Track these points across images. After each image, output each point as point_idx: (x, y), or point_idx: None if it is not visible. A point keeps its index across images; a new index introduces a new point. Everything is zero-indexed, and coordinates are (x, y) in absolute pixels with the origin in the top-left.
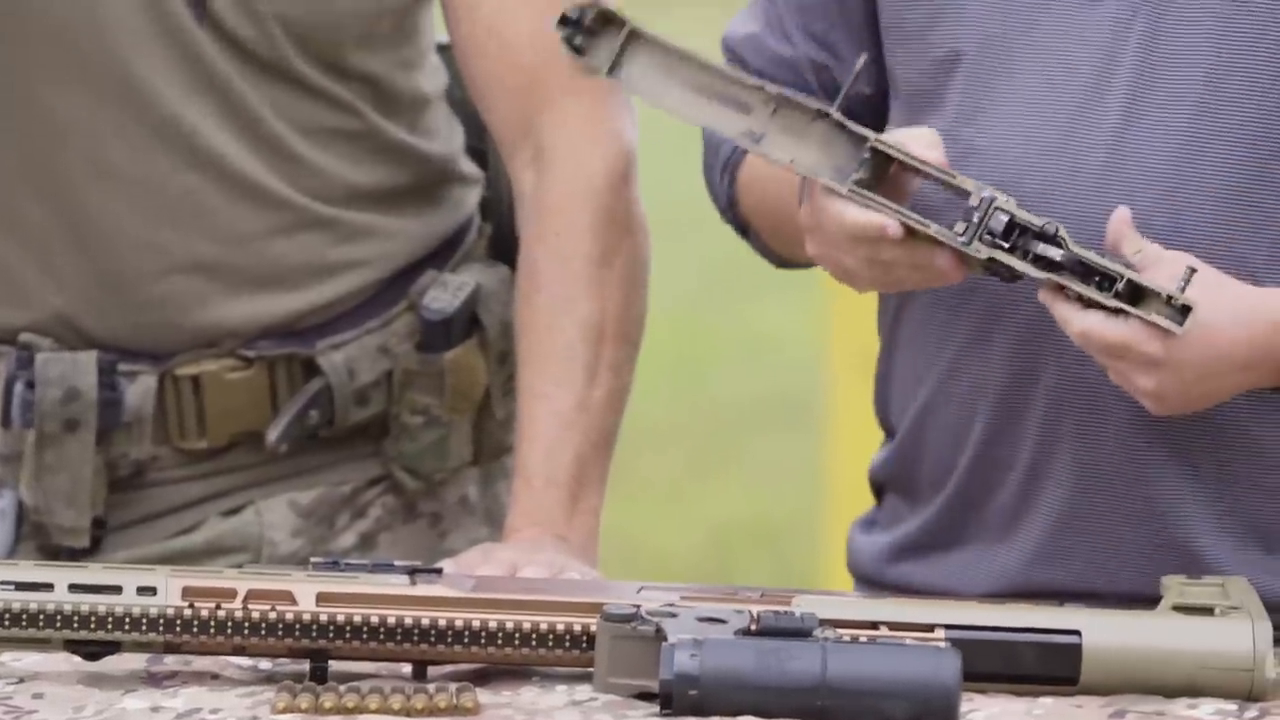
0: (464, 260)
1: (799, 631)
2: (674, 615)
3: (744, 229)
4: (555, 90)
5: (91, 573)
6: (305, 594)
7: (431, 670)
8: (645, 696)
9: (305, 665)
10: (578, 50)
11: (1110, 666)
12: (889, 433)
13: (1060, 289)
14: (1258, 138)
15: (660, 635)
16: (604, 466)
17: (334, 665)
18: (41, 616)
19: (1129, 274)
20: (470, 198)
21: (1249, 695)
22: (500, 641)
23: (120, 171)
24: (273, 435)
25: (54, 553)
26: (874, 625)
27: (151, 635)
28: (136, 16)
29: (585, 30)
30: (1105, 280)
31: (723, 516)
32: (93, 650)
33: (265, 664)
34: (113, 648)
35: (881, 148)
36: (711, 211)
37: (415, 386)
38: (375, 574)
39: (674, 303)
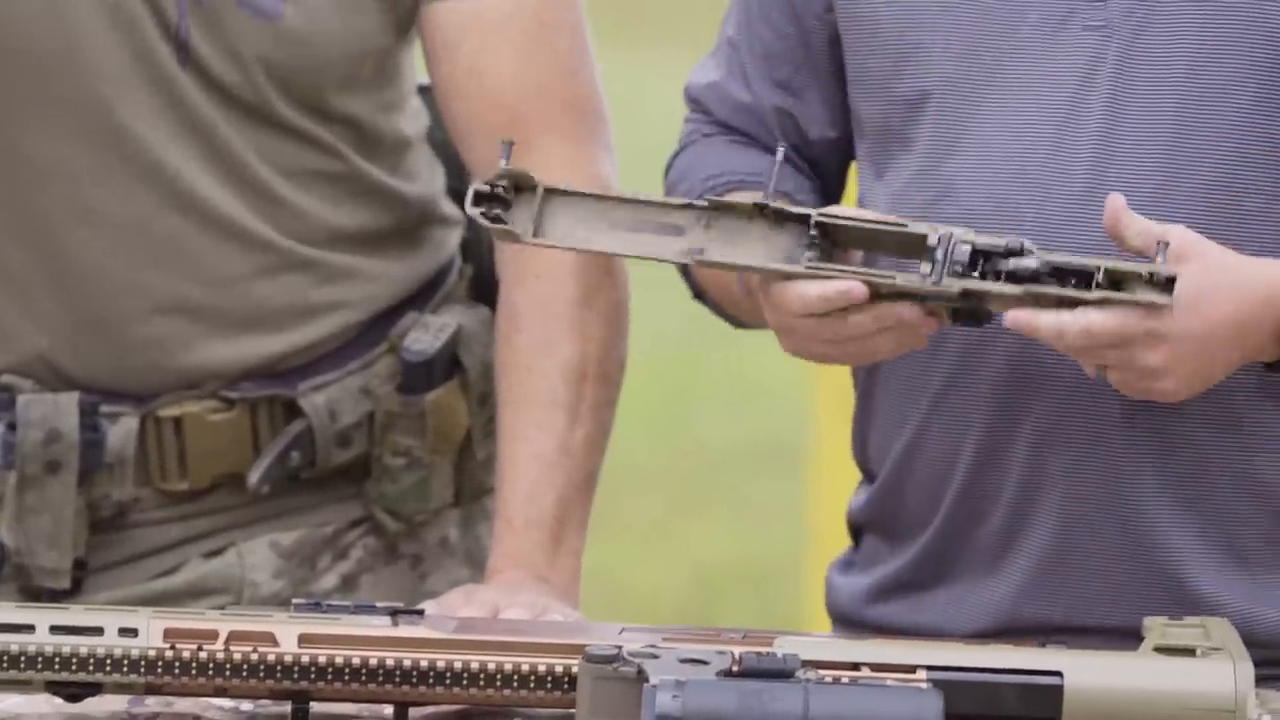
0: (445, 302)
1: (781, 672)
2: (656, 656)
3: (699, 294)
4: (536, 131)
5: (73, 614)
6: (287, 635)
7: (413, 712)
8: None
9: (287, 707)
10: (498, 220)
11: (1092, 708)
12: (867, 475)
13: (1035, 301)
14: (1232, 168)
15: (642, 676)
16: (586, 508)
17: (316, 707)
18: (23, 658)
19: (1104, 263)
20: (451, 239)
21: None
22: (482, 683)
23: (102, 213)
24: (254, 477)
25: (35, 594)
26: (856, 666)
27: (133, 677)
28: (120, 60)
29: (501, 201)
30: (1083, 278)
31: (706, 558)
32: (74, 692)
33: (247, 705)
34: (94, 689)
35: (827, 220)
36: None
37: (397, 428)
38: (357, 615)
39: (656, 344)
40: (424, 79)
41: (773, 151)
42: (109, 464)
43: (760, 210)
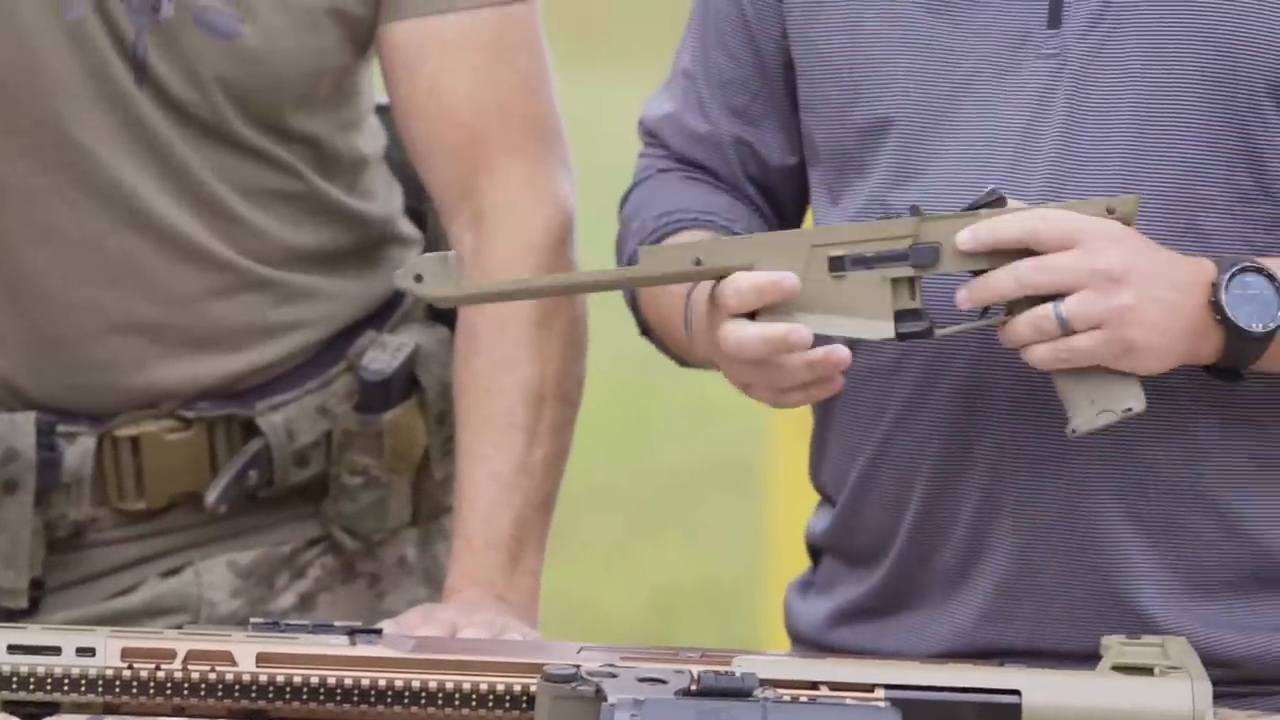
0: (403, 321)
1: (739, 691)
2: (614, 675)
3: (645, 331)
4: (495, 152)
5: (30, 634)
6: (245, 655)
7: None
8: None
9: None
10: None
11: None
12: (825, 499)
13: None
14: (1188, 188)
15: (600, 696)
16: (544, 528)
17: None
18: None
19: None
20: (409, 258)
21: None
22: (440, 702)
23: (59, 233)
24: (212, 496)
25: None
26: (814, 685)
27: (90, 696)
28: (77, 79)
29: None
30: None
31: (664, 579)
32: (31, 711)
33: None
34: (51, 709)
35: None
36: None
37: (354, 447)
38: (315, 635)
39: (615, 365)
40: (382, 98)
41: (731, 186)
42: (66, 484)
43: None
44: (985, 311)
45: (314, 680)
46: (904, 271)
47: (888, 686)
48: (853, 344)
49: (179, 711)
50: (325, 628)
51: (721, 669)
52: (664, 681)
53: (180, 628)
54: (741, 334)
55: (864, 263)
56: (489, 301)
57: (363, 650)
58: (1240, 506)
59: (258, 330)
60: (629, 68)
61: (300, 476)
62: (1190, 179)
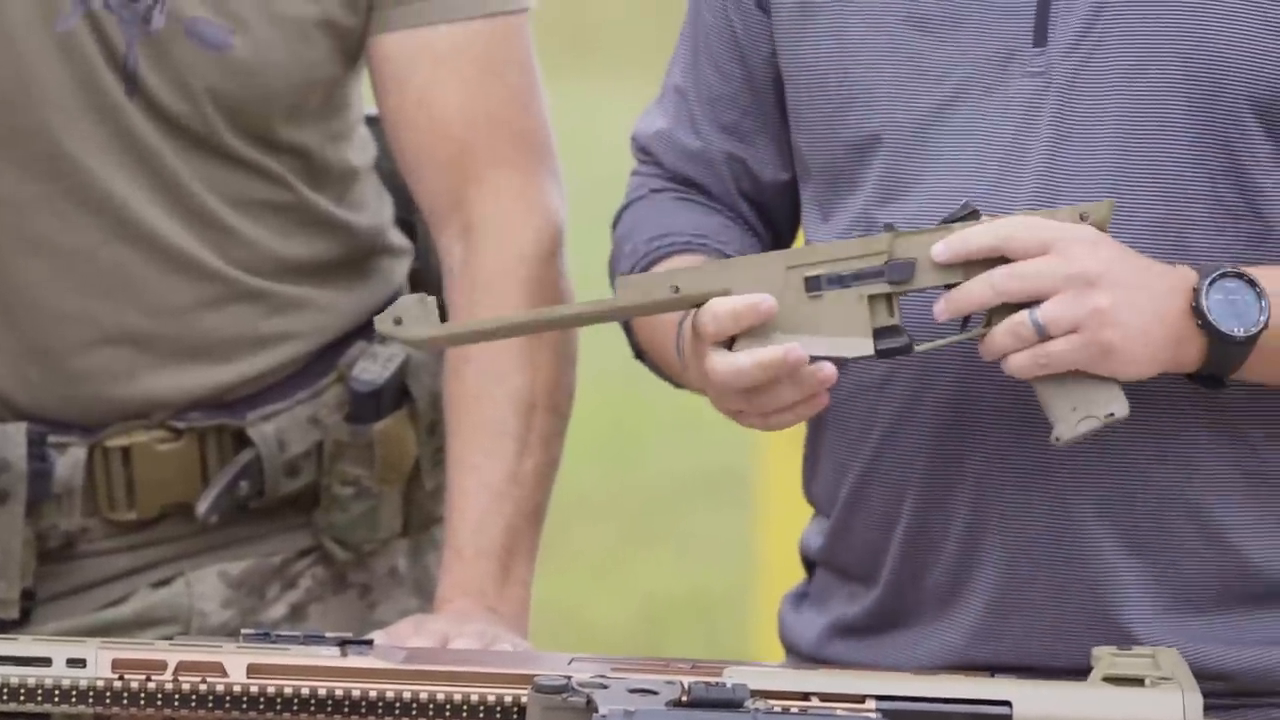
0: None
1: (730, 703)
2: (605, 686)
3: (639, 354)
4: (485, 163)
5: (21, 644)
6: (236, 666)
7: None
8: None
9: None
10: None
11: None
12: (817, 510)
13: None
14: (1173, 205)
15: (591, 707)
16: (535, 538)
17: None
18: None
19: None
20: (399, 270)
21: None
22: (431, 713)
23: (50, 244)
24: (203, 506)
25: None
26: (805, 696)
27: (81, 707)
28: (67, 90)
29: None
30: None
31: (655, 590)
32: None
33: None
34: None
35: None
36: None
37: (345, 457)
38: (306, 645)
39: (606, 375)
40: (371, 110)
41: (724, 204)
42: (57, 494)
43: (675, 289)
44: (965, 324)
45: (305, 691)
46: (880, 288)
47: (879, 698)
48: (840, 362)
49: None
50: (316, 639)
51: (712, 680)
52: (655, 692)
53: (171, 639)
54: (735, 364)
55: (840, 281)
56: (469, 342)
57: (354, 661)
58: (1228, 520)
59: (248, 341)
60: (621, 78)
61: (291, 487)
62: (1176, 196)
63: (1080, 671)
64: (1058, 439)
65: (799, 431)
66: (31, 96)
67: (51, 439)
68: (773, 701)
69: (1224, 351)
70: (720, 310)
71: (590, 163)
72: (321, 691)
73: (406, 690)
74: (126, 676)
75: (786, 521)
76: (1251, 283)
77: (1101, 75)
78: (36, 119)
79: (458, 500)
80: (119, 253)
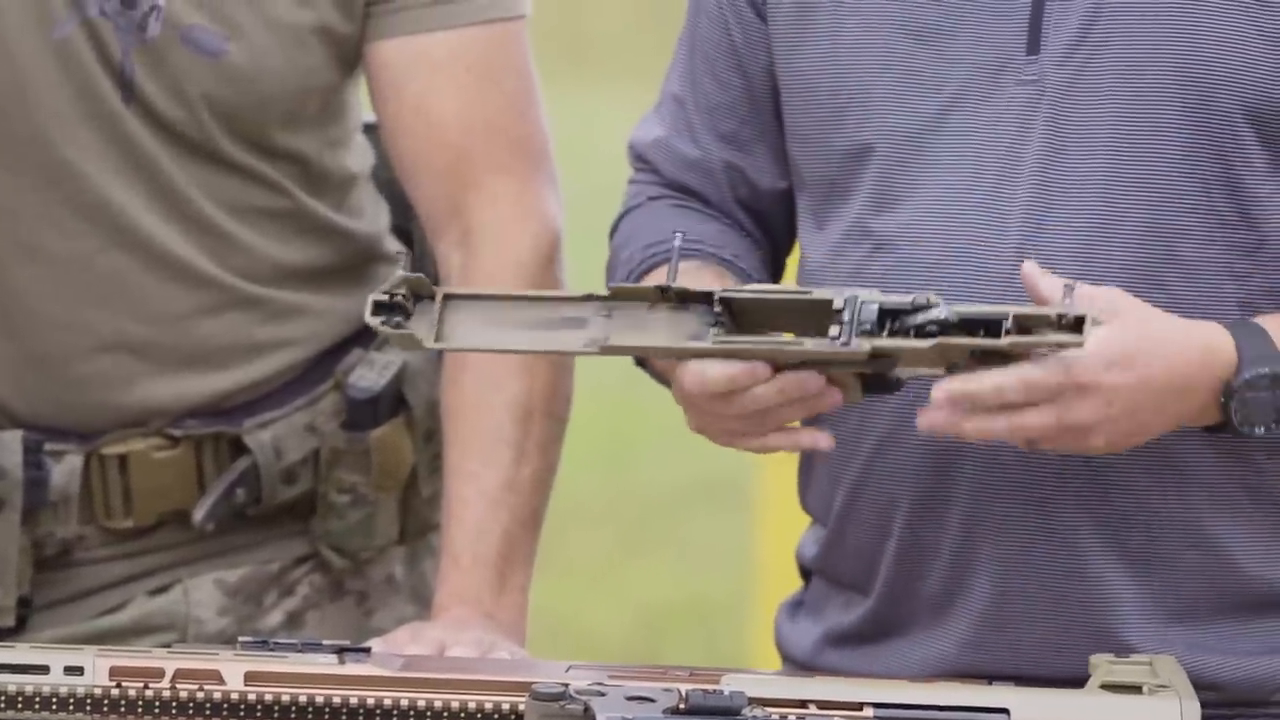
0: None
1: (728, 710)
2: (603, 694)
3: (640, 361)
4: (482, 170)
5: (18, 652)
6: (233, 673)
7: None
8: None
9: None
10: (399, 327)
11: None
12: (813, 518)
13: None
14: (1166, 216)
15: (589, 714)
16: (532, 545)
17: None
18: None
19: (1013, 310)
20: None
21: None
22: None
23: (47, 251)
24: (199, 514)
25: None
26: (803, 704)
27: (79, 715)
28: (64, 98)
29: (400, 310)
30: (992, 327)
31: (652, 597)
32: None
33: None
34: None
35: (730, 296)
36: None
37: (342, 465)
38: (304, 653)
39: (604, 383)
40: (369, 116)
41: (722, 211)
42: (53, 502)
43: (663, 293)
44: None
45: (302, 699)
46: (864, 369)
47: (876, 705)
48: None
49: None
50: (314, 646)
51: (710, 688)
52: (652, 700)
53: (168, 646)
54: (703, 377)
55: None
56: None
57: (351, 669)
58: (1221, 531)
59: (245, 348)
60: (618, 88)
61: (288, 494)
62: (1169, 205)
63: (1074, 681)
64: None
65: None
66: (28, 104)
67: (48, 446)
68: (770, 709)
69: (1239, 434)
70: (711, 375)
71: (587, 172)
72: (319, 699)
73: (404, 698)
74: (124, 684)
75: (784, 529)
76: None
77: (1095, 83)
78: (33, 126)
79: (455, 508)
80: (116, 260)
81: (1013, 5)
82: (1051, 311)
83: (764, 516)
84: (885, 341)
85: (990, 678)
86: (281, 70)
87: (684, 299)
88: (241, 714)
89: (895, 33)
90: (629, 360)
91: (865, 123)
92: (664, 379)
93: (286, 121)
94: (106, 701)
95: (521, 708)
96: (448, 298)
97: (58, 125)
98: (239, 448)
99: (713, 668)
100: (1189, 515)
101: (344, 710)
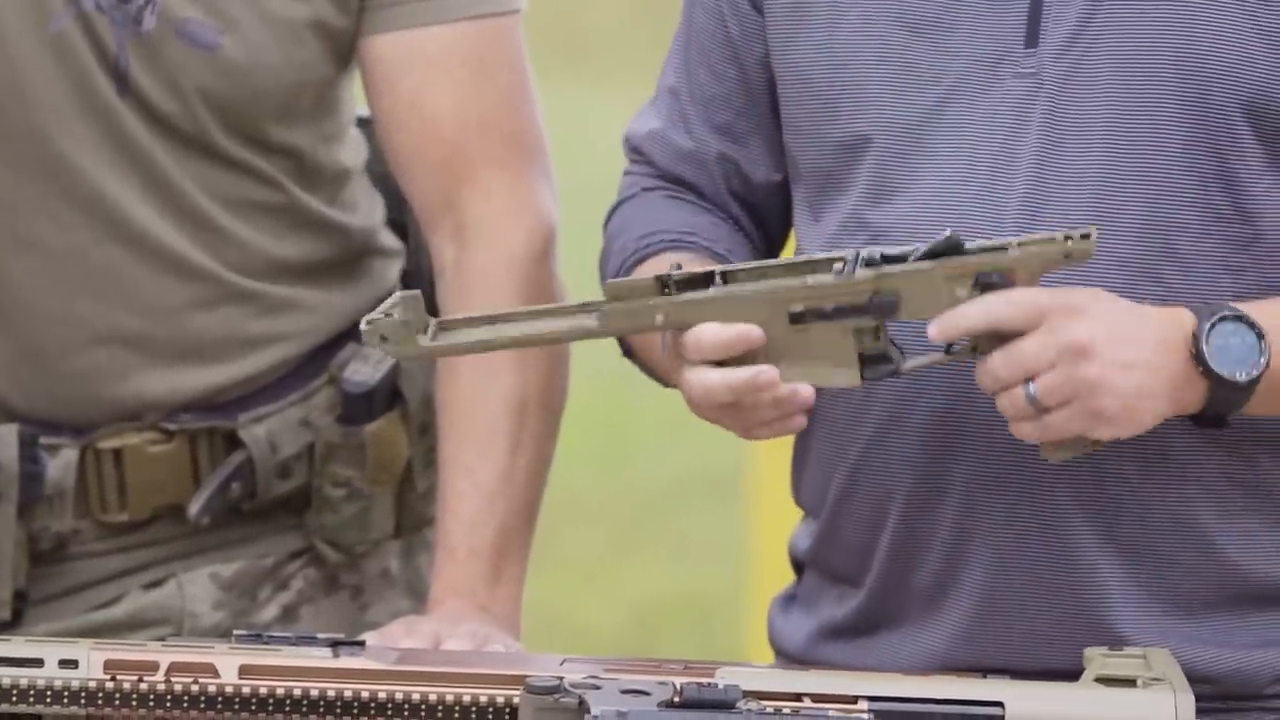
0: None
1: (722, 703)
2: (597, 687)
3: (628, 353)
4: (476, 164)
5: (13, 645)
6: (228, 666)
7: None
8: None
9: None
10: (388, 341)
11: None
12: (806, 512)
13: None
14: (1163, 208)
15: (583, 707)
16: (527, 538)
17: None
18: None
19: (1016, 240)
20: (391, 270)
21: None
22: (424, 714)
23: (42, 244)
24: (194, 508)
25: None
26: (797, 697)
27: (74, 708)
28: (59, 91)
29: (393, 331)
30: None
31: (647, 592)
32: None
33: None
34: None
35: (731, 268)
36: None
37: (337, 459)
38: (298, 647)
39: (598, 377)
40: (363, 110)
41: (716, 204)
42: (48, 496)
43: (663, 285)
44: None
45: (297, 692)
46: (865, 323)
47: (871, 698)
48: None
49: None
50: (308, 640)
51: (705, 681)
52: (647, 693)
53: (163, 640)
54: (706, 382)
55: (824, 315)
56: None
57: (346, 662)
58: (1215, 525)
59: (240, 342)
60: (613, 81)
61: (283, 488)
62: (1166, 198)
63: (1067, 674)
64: (1045, 458)
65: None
66: (23, 97)
67: (43, 440)
68: (765, 702)
69: (1226, 396)
70: (706, 341)
71: (582, 167)
72: (314, 692)
73: (399, 691)
74: (119, 677)
75: (779, 523)
76: (1250, 324)
77: (1093, 76)
78: (28, 120)
79: (450, 501)
80: (111, 253)
81: None
82: (1059, 234)
83: (758, 510)
84: (889, 268)
85: (983, 670)
86: (276, 64)
87: (684, 286)
88: (236, 707)
89: (892, 25)
90: (621, 354)
91: (862, 115)
92: (656, 373)
93: (281, 116)
94: (101, 694)
95: (516, 701)
96: (441, 325)
97: (53, 119)
98: (234, 442)
99: (707, 661)
100: (1183, 509)
101: (339, 703)
